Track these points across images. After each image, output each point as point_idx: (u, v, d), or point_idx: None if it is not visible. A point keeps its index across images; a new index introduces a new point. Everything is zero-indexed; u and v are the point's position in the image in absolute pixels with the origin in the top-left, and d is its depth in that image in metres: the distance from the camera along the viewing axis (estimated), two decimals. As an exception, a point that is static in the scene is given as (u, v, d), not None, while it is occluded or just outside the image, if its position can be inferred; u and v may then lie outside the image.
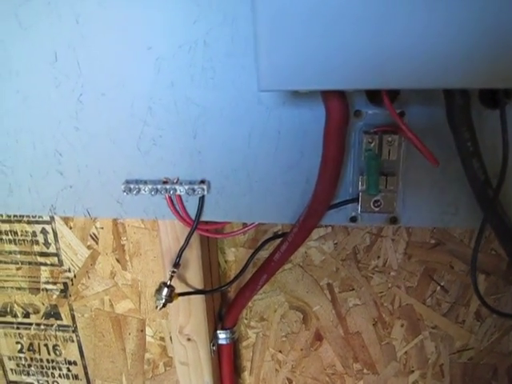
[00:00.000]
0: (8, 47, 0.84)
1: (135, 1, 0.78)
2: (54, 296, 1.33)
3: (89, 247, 1.25)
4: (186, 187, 0.85)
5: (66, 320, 1.36)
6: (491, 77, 0.59)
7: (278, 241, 0.91)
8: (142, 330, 1.32)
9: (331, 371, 1.30)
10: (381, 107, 0.76)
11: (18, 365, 1.46)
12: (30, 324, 1.39)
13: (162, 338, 1.32)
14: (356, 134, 0.79)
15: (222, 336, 1.18)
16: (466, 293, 1.16)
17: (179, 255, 0.96)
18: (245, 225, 0.95)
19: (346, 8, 0.57)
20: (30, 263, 1.31)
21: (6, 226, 1.27)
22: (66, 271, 1.29)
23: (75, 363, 1.42)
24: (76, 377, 1.44)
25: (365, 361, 1.27)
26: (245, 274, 1.08)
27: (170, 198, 0.88)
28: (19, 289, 1.34)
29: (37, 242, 1.27)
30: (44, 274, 1.31)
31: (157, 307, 0.95)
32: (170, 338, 1.25)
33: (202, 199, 0.87)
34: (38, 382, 1.48)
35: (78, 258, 1.27)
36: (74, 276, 1.29)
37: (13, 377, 1.49)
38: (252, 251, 1.09)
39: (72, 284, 1.31)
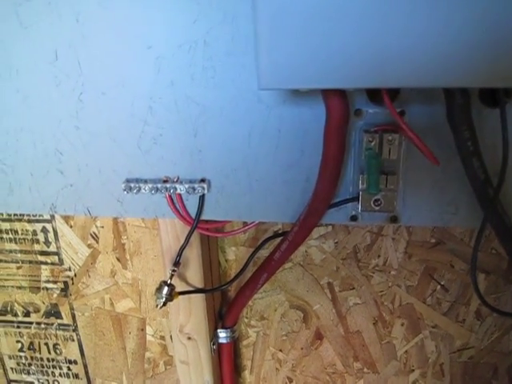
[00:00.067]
0: (8, 46, 0.84)
1: (135, 0, 0.78)
2: (55, 295, 1.33)
3: (89, 246, 1.25)
4: (187, 186, 0.85)
5: (66, 319, 1.36)
6: (491, 76, 0.59)
7: (279, 240, 0.91)
8: (142, 329, 1.32)
9: (331, 370, 1.30)
10: (381, 106, 0.76)
11: (18, 364, 1.46)
12: (31, 323, 1.39)
13: (163, 337, 1.32)
14: (356, 133, 0.79)
15: (223, 335, 1.18)
16: (466, 292, 1.16)
17: (179, 254, 0.96)
18: (245, 224, 0.95)
19: (346, 6, 0.57)
20: (30, 262, 1.31)
21: (6, 225, 1.27)
22: (66, 270, 1.29)
23: (75, 362, 1.42)
24: (76, 376, 1.44)
25: (365, 360, 1.27)
26: (245, 273, 1.08)
27: (170, 196, 0.88)
28: (20, 288, 1.35)
29: (37, 241, 1.27)
30: (44, 272, 1.31)
31: (157, 306, 0.95)
32: (171, 336, 1.25)
33: (202, 198, 0.87)
34: (39, 380, 1.48)
35: (78, 257, 1.27)
36: (75, 275, 1.30)
37: (13, 376, 1.49)
38: (252, 250, 1.09)
39: (72, 283, 1.31)
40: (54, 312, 1.36)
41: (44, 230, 1.26)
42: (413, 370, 1.27)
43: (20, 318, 1.39)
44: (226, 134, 0.83)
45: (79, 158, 0.89)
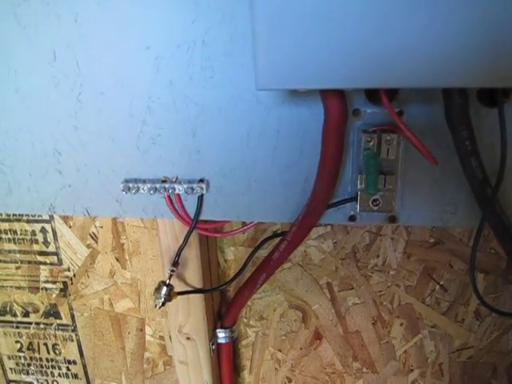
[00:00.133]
0: (7, 47, 0.84)
1: (134, 0, 0.78)
2: (54, 295, 1.33)
3: (88, 246, 1.25)
4: (185, 186, 0.85)
5: (65, 319, 1.36)
6: (490, 76, 0.59)
7: (278, 240, 0.91)
8: (141, 329, 1.32)
9: (331, 370, 1.30)
10: (380, 106, 0.76)
11: (17, 364, 1.46)
12: (30, 323, 1.39)
13: (162, 337, 1.32)
14: (355, 133, 0.79)
15: (222, 335, 1.18)
16: (465, 292, 1.17)
17: (178, 254, 0.96)
18: (244, 224, 0.95)
19: (344, 7, 0.57)
20: (29, 262, 1.31)
21: (5, 225, 1.27)
22: (65, 270, 1.29)
23: (75, 362, 1.42)
24: (75, 376, 1.44)
25: (364, 360, 1.27)
26: (244, 273, 1.08)
27: (168, 196, 0.88)
28: (19, 288, 1.35)
29: (36, 241, 1.28)
30: (43, 273, 1.31)
31: (156, 306, 0.95)
32: (170, 336, 1.25)
33: (200, 198, 0.87)
34: (38, 381, 1.48)
35: (77, 257, 1.27)
36: (74, 275, 1.30)
37: (12, 376, 1.49)
38: (251, 250, 1.09)
39: (71, 283, 1.31)
40: (53, 312, 1.36)
41: (43, 231, 1.26)
42: (412, 370, 1.27)
43: (19, 319, 1.39)
44: (225, 134, 0.83)
45: (78, 158, 0.89)
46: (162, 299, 0.94)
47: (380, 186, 0.78)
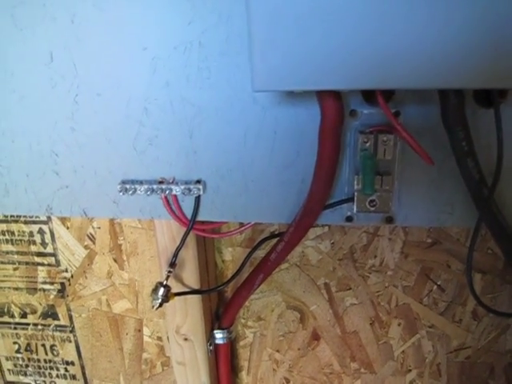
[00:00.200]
0: (3, 48, 0.84)
1: (130, 2, 0.78)
2: (52, 296, 1.33)
3: (86, 247, 1.25)
4: (182, 187, 0.85)
5: (63, 320, 1.36)
6: (486, 77, 0.59)
7: (275, 240, 0.91)
8: (139, 330, 1.32)
9: (329, 370, 1.30)
10: (376, 107, 0.76)
11: (15, 365, 1.46)
12: (28, 324, 1.39)
13: (160, 338, 1.32)
14: (351, 134, 0.79)
15: (219, 336, 1.18)
16: (462, 292, 1.17)
17: (175, 255, 0.96)
18: (241, 224, 0.95)
19: (341, 8, 0.57)
20: (27, 263, 1.31)
21: (2, 226, 1.27)
22: (63, 271, 1.29)
23: (73, 363, 1.42)
24: (74, 377, 1.44)
25: (362, 360, 1.27)
26: (242, 274, 1.08)
27: (165, 197, 0.88)
28: (16, 289, 1.34)
29: (34, 242, 1.27)
30: (41, 274, 1.31)
31: (153, 307, 0.95)
32: (168, 337, 1.26)
33: (197, 199, 0.87)
34: (36, 382, 1.48)
35: (75, 258, 1.27)
36: (71, 276, 1.29)
37: (10, 377, 1.48)
38: (249, 251, 1.09)
39: (69, 284, 1.31)
40: (50, 313, 1.36)
41: (41, 232, 1.26)
42: (410, 370, 1.27)
43: (17, 320, 1.39)
44: (222, 134, 0.83)
45: (75, 160, 0.89)
46: (160, 300, 0.94)
47: (377, 186, 0.79)
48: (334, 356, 1.28)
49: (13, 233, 1.27)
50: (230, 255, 1.21)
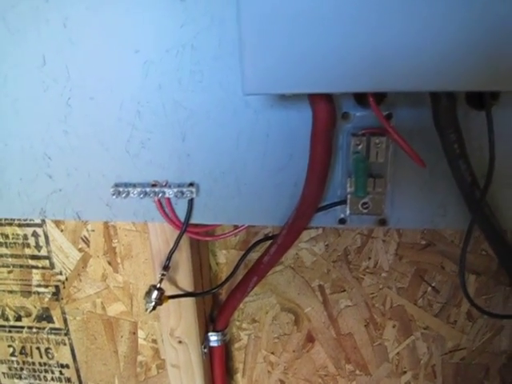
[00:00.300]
0: (-4, 51, 0.84)
1: (123, 5, 0.78)
2: (46, 299, 1.33)
3: (80, 250, 1.25)
4: (175, 190, 0.85)
5: (58, 323, 1.36)
6: (478, 80, 0.59)
7: (269, 243, 0.91)
8: (134, 333, 1.32)
9: (323, 372, 1.30)
10: (369, 109, 0.76)
11: (10, 368, 1.46)
12: (22, 327, 1.39)
13: (155, 341, 1.32)
14: (344, 136, 0.79)
15: (214, 338, 1.18)
16: (457, 293, 1.17)
17: (169, 258, 0.96)
18: (235, 227, 0.95)
19: (332, 12, 0.57)
20: (21, 266, 1.30)
21: (-4, 230, 1.27)
22: (57, 274, 1.29)
23: (68, 366, 1.42)
24: (69, 380, 1.44)
25: (357, 362, 1.27)
26: (236, 276, 1.08)
27: (159, 200, 0.88)
28: (11, 292, 1.34)
29: (28, 245, 1.27)
30: (36, 277, 1.31)
31: (147, 310, 0.95)
32: (162, 340, 1.25)
33: (190, 202, 0.87)
34: (31, 385, 1.48)
35: (69, 261, 1.27)
36: (66, 279, 1.29)
37: (5, 380, 1.48)
38: (243, 253, 1.09)
39: (64, 287, 1.30)
40: (45, 316, 1.36)
41: (35, 235, 1.26)
42: (405, 372, 1.27)
43: (11, 323, 1.39)
44: (214, 137, 0.83)
45: (68, 163, 0.89)
46: (153, 303, 0.94)
47: (369, 189, 0.79)
48: (329, 358, 1.28)
49: (7, 236, 1.27)
50: (224, 258, 1.21)
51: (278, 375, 1.32)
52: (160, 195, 0.87)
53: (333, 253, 1.16)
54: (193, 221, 0.90)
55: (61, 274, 1.29)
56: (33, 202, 0.94)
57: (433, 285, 1.16)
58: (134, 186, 0.87)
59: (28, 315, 1.37)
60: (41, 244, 1.26)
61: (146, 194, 0.87)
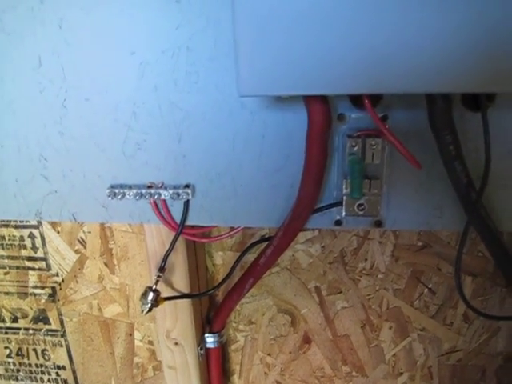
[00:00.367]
0: (-9, 53, 0.84)
1: (118, 6, 0.78)
2: (42, 300, 1.33)
3: (76, 251, 1.25)
4: (171, 191, 0.85)
5: (54, 324, 1.36)
6: (474, 82, 0.59)
7: (265, 244, 0.91)
8: (130, 334, 1.32)
9: (320, 374, 1.30)
10: (364, 111, 0.76)
11: (6, 370, 1.45)
12: (19, 329, 1.39)
13: (151, 342, 1.32)
14: (339, 138, 0.79)
15: (210, 340, 1.17)
16: (453, 295, 1.17)
17: (164, 259, 0.96)
18: (231, 228, 0.95)
19: (328, 14, 0.57)
20: (17, 268, 1.30)
21: (-7, 231, 1.27)
22: (53, 275, 1.29)
23: (64, 368, 1.41)
24: (65, 381, 1.43)
25: (353, 363, 1.27)
26: (233, 278, 1.07)
27: (154, 202, 0.88)
28: (7, 293, 1.34)
29: (24, 247, 1.27)
30: (32, 278, 1.31)
31: (142, 311, 0.95)
32: (159, 341, 1.25)
33: (186, 203, 0.87)
34: (27, 386, 1.47)
35: (65, 263, 1.27)
36: (62, 280, 1.29)
37: (1, 382, 1.48)
38: (239, 255, 1.09)
39: (60, 288, 1.30)
40: (41, 317, 1.36)
41: (31, 236, 1.26)
42: (401, 373, 1.27)
43: (8, 324, 1.38)
44: (210, 139, 0.83)
45: (64, 164, 0.89)
46: (149, 305, 0.94)
47: (365, 190, 0.79)
48: (326, 359, 1.28)
49: (3, 237, 1.27)
50: (221, 259, 1.21)
51: (274, 376, 1.32)
52: (156, 197, 0.87)
53: (329, 254, 1.16)
54: (189, 222, 0.90)
55: (57, 275, 1.29)
56: (29, 203, 0.94)
57: (429, 286, 1.16)
58: (130, 187, 0.87)
59: (24, 317, 1.37)
60: (37, 245, 1.26)
61: (141, 195, 0.86)
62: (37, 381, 1.45)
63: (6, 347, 1.42)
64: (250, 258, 1.11)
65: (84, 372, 1.41)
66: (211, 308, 1.25)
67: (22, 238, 1.26)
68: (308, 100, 0.70)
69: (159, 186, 0.87)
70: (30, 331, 1.38)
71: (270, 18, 0.58)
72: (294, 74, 0.61)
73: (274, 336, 1.28)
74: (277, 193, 0.85)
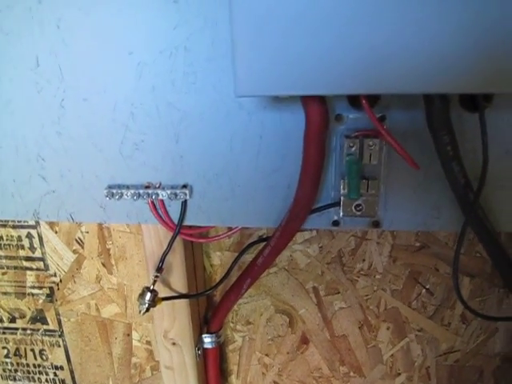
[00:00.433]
0: (-11, 53, 0.84)
1: (116, 6, 0.78)
2: (40, 301, 1.33)
3: (74, 251, 1.25)
4: (169, 192, 0.85)
5: (52, 325, 1.36)
6: (471, 82, 0.59)
7: (263, 244, 0.91)
8: (128, 334, 1.32)
9: (318, 374, 1.30)
10: (362, 111, 0.76)
11: (4, 370, 1.45)
12: (16, 329, 1.39)
13: (149, 342, 1.32)
14: (337, 138, 0.79)
15: (208, 340, 1.17)
16: (451, 295, 1.17)
17: (162, 260, 0.96)
18: (229, 229, 0.95)
19: (325, 14, 0.57)
20: (15, 268, 1.30)
21: (-10, 231, 1.27)
22: (51, 276, 1.29)
23: (62, 368, 1.41)
24: (63, 382, 1.43)
25: (351, 364, 1.27)
26: (230, 278, 1.07)
27: (152, 202, 0.88)
28: (5, 293, 1.34)
29: (22, 247, 1.27)
30: (30, 278, 1.31)
31: (140, 312, 0.95)
32: (157, 341, 1.25)
33: (184, 204, 0.87)
34: (25, 387, 1.47)
35: (63, 263, 1.27)
36: (60, 280, 1.29)
37: (-1, 382, 1.48)
38: (237, 255, 1.09)
39: (58, 288, 1.30)
40: (39, 318, 1.35)
41: (29, 236, 1.25)
42: (399, 374, 1.27)
43: (5, 324, 1.38)
44: (208, 139, 0.83)
45: (61, 164, 0.89)
46: (146, 305, 0.94)
47: (363, 190, 0.79)
48: (323, 360, 1.28)
49: (1, 237, 1.27)
50: (219, 259, 1.21)
51: (272, 377, 1.32)
52: (153, 197, 0.86)
53: (327, 255, 1.16)
54: (186, 223, 0.90)
55: (55, 275, 1.29)
56: (26, 203, 0.93)
57: (427, 287, 1.17)
58: (128, 187, 0.87)
59: (22, 317, 1.37)
60: (35, 246, 1.26)
61: (139, 195, 0.86)
62: (34, 381, 1.45)
63: (3, 347, 1.42)
64: (248, 258, 1.11)
65: (82, 372, 1.41)
66: (209, 308, 1.25)
67: (19, 238, 1.26)
68: (305, 100, 0.70)
69: (157, 186, 0.87)
70: (28, 331, 1.38)
71: (268, 18, 0.58)
72: (292, 74, 0.61)
73: (272, 336, 1.28)
74: (274, 193, 0.85)
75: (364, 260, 1.16)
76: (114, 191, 0.87)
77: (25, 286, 1.32)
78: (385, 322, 1.21)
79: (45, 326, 1.37)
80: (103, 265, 1.25)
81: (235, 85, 0.62)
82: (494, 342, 1.21)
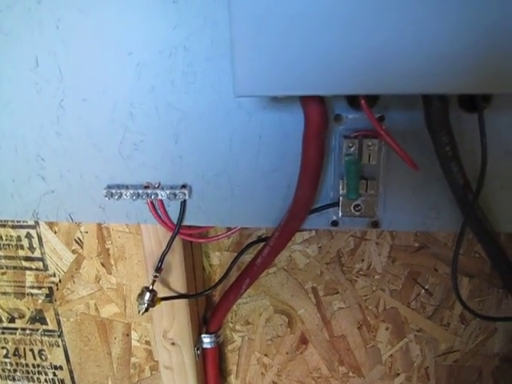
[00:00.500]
0: (-12, 53, 0.84)
1: (115, 7, 0.78)
2: (39, 301, 1.33)
3: (74, 251, 1.25)
4: (168, 192, 0.85)
5: (51, 325, 1.35)
6: (470, 83, 0.59)
7: (262, 244, 0.91)
8: (127, 334, 1.32)
9: (317, 374, 1.30)
10: (361, 111, 0.76)
11: (3, 370, 1.45)
12: (16, 329, 1.38)
13: (148, 342, 1.32)
14: (336, 139, 0.79)
15: (207, 340, 1.17)
16: (450, 296, 1.17)
17: (161, 260, 0.96)
18: (228, 229, 0.95)
19: (325, 14, 0.57)
20: (14, 268, 1.30)
21: (-10, 231, 1.27)
22: (51, 276, 1.29)
23: (61, 368, 1.41)
24: (62, 382, 1.43)
25: (350, 364, 1.27)
26: (229, 278, 1.07)
27: (151, 202, 0.88)
28: (4, 293, 1.34)
29: (21, 247, 1.27)
30: (29, 278, 1.31)
31: (139, 312, 0.95)
32: (156, 341, 1.25)
33: (183, 204, 0.87)
34: (24, 387, 1.47)
35: (62, 263, 1.27)
36: (59, 280, 1.29)
37: (-2, 382, 1.48)
38: (236, 255, 1.09)
39: (57, 288, 1.30)
40: (38, 318, 1.35)
41: (28, 236, 1.25)
42: (398, 374, 1.27)
43: (5, 324, 1.38)
44: (207, 139, 0.83)
45: (61, 164, 0.89)
46: (145, 305, 0.94)
47: (362, 191, 0.79)
48: (322, 360, 1.28)
49: (0, 237, 1.27)
50: (218, 259, 1.21)
51: (271, 377, 1.32)
52: (153, 197, 0.86)
53: (326, 255, 1.16)
54: (185, 223, 0.90)
55: (54, 275, 1.29)
56: (25, 203, 0.93)
57: (426, 287, 1.17)
58: (127, 187, 0.87)
59: (21, 317, 1.36)
60: (34, 246, 1.26)
61: (138, 195, 0.86)
62: (34, 381, 1.45)
63: (2, 347, 1.42)
64: (247, 258, 1.11)
65: (81, 372, 1.41)
66: (208, 308, 1.25)
67: (19, 238, 1.26)
68: (305, 100, 0.70)
69: (156, 186, 0.87)
70: (27, 331, 1.38)
71: (267, 18, 0.58)
72: (291, 74, 0.61)
73: (271, 336, 1.28)
74: (273, 193, 0.85)
75: (363, 260, 1.16)
76: (114, 191, 0.87)
77: (24, 286, 1.32)
78: (384, 323, 1.22)
79: (44, 326, 1.36)
80: (102, 265, 1.25)
81: (234, 85, 0.62)
82: (493, 342, 1.21)
